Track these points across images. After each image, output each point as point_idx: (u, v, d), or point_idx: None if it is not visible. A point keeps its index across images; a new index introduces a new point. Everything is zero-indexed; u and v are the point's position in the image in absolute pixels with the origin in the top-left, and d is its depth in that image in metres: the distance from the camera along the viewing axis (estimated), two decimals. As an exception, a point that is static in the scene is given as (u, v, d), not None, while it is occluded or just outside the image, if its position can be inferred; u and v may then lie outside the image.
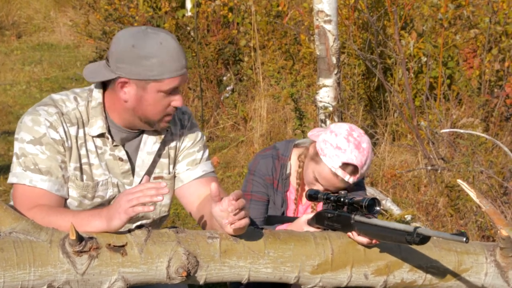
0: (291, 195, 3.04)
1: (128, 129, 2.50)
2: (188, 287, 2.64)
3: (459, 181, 2.70)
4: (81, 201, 2.46)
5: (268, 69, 6.15)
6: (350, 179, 2.85)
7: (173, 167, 2.62)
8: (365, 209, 2.39)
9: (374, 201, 2.40)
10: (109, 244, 2.17)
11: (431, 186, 5.03)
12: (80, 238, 2.12)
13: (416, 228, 2.22)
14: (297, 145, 3.05)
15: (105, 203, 2.47)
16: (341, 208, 2.50)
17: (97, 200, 2.48)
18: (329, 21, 5.46)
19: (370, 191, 4.83)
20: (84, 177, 2.45)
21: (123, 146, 2.50)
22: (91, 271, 2.14)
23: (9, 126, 6.88)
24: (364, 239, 2.41)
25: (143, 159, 2.54)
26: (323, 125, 5.49)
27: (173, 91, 2.40)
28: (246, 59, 7.14)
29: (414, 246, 2.36)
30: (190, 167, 2.61)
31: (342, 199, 2.49)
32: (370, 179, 5.35)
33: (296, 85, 5.39)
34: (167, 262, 2.21)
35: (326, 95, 5.57)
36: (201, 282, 2.29)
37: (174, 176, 2.62)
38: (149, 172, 2.55)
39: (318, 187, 2.91)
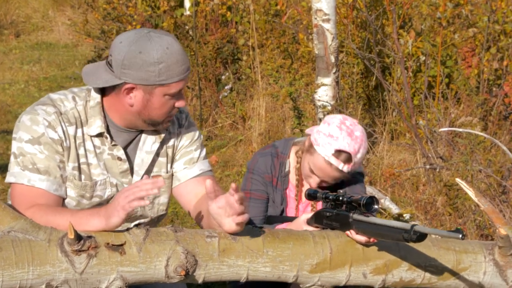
0: (291, 193, 3.04)
1: (128, 129, 2.50)
2: (187, 286, 2.64)
3: (458, 180, 2.69)
4: (79, 201, 2.45)
5: (266, 68, 6.14)
6: (345, 167, 2.86)
7: (171, 166, 2.62)
8: (363, 208, 2.40)
9: (372, 200, 2.40)
10: (108, 243, 2.17)
11: (429, 185, 5.03)
12: (78, 237, 2.12)
13: (413, 225, 2.22)
14: (296, 143, 3.06)
15: (104, 203, 2.46)
16: (340, 207, 2.50)
17: (95, 200, 2.48)
18: (328, 20, 5.47)
19: (369, 190, 4.83)
20: (83, 176, 2.45)
21: (122, 145, 2.50)
22: (90, 270, 2.14)
23: (7, 125, 6.88)
24: (362, 238, 2.41)
25: (142, 158, 2.54)
26: (321, 124, 5.48)
27: (178, 93, 2.42)
28: (244, 58, 7.13)
29: (412, 244, 2.35)
30: (187, 166, 2.61)
31: (340, 198, 2.49)
32: (369, 178, 5.34)
33: (295, 84, 5.38)
34: (166, 261, 2.21)
35: (324, 94, 5.57)
36: (200, 281, 2.29)
37: (172, 175, 2.63)
38: (148, 171, 2.55)
39: (315, 179, 2.91)
